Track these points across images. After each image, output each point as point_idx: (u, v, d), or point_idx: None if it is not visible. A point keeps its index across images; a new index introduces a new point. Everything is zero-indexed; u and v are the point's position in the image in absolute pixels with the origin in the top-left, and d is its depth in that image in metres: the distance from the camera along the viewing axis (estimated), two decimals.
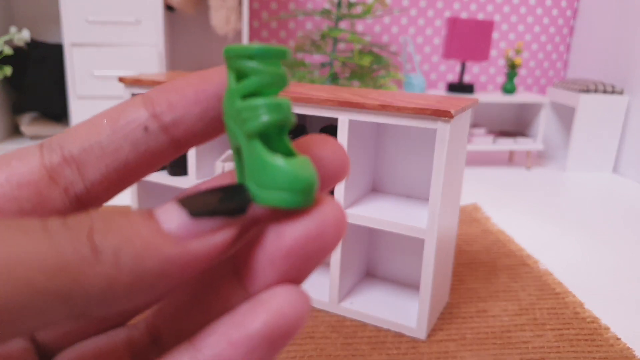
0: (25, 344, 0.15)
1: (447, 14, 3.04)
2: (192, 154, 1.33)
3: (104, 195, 0.15)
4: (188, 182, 1.33)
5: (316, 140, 0.16)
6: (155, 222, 0.12)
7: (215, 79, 0.15)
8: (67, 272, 0.11)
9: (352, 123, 1.12)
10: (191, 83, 0.15)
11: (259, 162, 0.14)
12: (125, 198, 1.97)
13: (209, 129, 0.16)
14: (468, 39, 2.57)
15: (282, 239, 0.14)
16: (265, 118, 0.14)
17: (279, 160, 0.14)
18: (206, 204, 0.13)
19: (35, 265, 0.10)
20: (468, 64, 3.10)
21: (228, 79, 0.15)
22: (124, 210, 0.13)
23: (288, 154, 0.15)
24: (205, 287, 0.15)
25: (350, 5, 2.58)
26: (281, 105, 0.14)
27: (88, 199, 0.15)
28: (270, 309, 0.13)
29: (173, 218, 0.12)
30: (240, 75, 0.15)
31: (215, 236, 0.13)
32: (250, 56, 0.14)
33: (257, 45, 0.14)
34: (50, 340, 0.16)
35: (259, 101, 0.14)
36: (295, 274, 0.14)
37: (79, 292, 0.11)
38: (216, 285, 0.15)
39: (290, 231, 0.14)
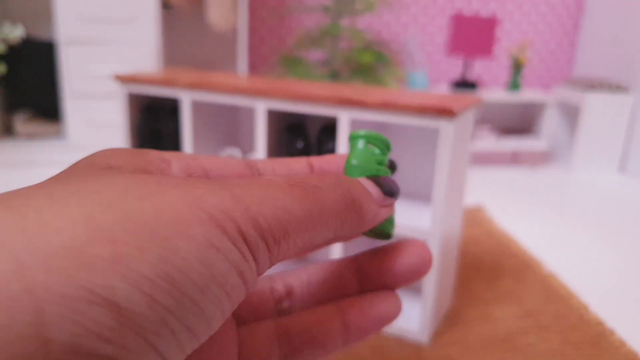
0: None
1: (450, 10, 3.00)
2: (188, 149, 1.30)
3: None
4: None
5: (405, 246, 0.21)
6: (367, 189, 0.19)
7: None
8: (341, 216, 0.17)
9: (353, 122, 1.09)
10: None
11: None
12: None
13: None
14: (471, 35, 2.54)
15: (408, 259, 0.20)
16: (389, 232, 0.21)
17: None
18: (389, 187, 0.19)
19: (332, 213, 0.16)
20: (471, 62, 3.07)
21: (350, 149, 0.22)
22: (356, 180, 0.19)
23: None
24: (336, 273, 0.22)
25: (351, 1, 2.55)
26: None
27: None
28: (395, 299, 0.20)
29: (374, 191, 0.19)
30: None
31: (389, 208, 0.19)
32: (371, 141, 0.21)
33: (374, 133, 0.21)
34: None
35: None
36: (407, 280, 0.21)
37: (341, 227, 0.17)
38: (344, 275, 0.21)
39: (411, 256, 0.20)
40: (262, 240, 0.14)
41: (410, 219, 1.10)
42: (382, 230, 0.20)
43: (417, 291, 1.31)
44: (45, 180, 0.14)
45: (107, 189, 0.13)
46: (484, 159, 2.82)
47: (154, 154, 0.18)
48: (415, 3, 2.97)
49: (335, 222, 0.16)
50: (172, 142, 1.35)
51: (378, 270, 0.21)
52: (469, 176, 2.48)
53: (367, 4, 2.49)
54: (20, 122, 2.47)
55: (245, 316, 0.21)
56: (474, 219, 1.89)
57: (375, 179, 0.20)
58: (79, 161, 0.16)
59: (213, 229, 0.13)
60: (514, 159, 2.83)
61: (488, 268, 1.51)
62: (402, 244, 0.21)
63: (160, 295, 0.11)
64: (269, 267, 0.15)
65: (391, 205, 0.20)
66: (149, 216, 0.12)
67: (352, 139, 0.21)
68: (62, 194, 0.12)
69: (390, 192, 0.20)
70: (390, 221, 0.21)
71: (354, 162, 0.21)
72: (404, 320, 1.17)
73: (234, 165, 0.20)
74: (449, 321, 1.22)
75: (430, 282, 1.08)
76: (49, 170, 2.28)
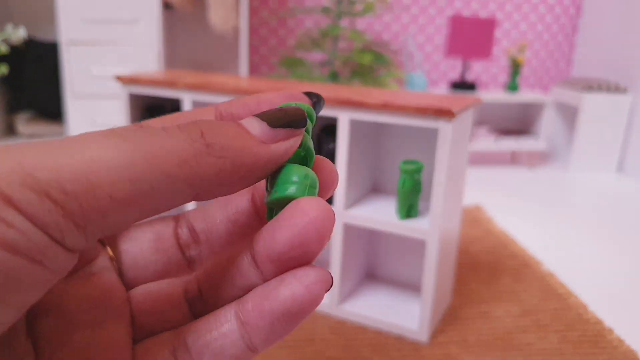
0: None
1: (449, 12, 3.01)
2: None
3: (208, 259, 0.20)
4: None
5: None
6: (244, 128, 0.16)
7: (267, 99, 0.20)
8: (190, 162, 0.14)
9: (352, 122, 1.10)
10: (250, 101, 0.20)
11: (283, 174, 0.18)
12: None
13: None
14: (470, 36, 2.55)
15: (298, 223, 0.16)
16: (292, 190, 0.18)
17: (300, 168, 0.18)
18: (279, 119, 0.17)
19: (169, 158, 0.14)
20: (470, 63, 3.08)
21: None
22: (221, 121, 0.16)
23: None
24: (231, 264, 0.19)
25: (351, 2, 2.56)
26: (308, 176, 0.18)
27: (199, 261, 0.20)
28: (300, 283, 0.16)
29: (256, 126, 0.16)
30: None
31: (287, 142, 0.17)
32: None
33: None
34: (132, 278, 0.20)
35: (292, 176, 0.18)
36: (305, 251, 0.17)
37: (198, 177, 0.14)
38: (239, 264, 0.18)
39: (293, 225, 0.16)
40: (47, 198, 0.12)
41: (409, 218, 1.11)
42: (281, 189, 0.17)
43: (417, 290, 1.32)
44: None
45: None
46: (482, 159, 2.83)
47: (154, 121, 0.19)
48: (414, 4, 2.98)
49: (183, 172, 0.14)
50: None
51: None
52: (468, 176, 2.49)
53: (366, 5, 2.50)
54: (22, 123, 2.47)
55: (151, 323, 0.19)
56: (473, 218, 1.90)
57: (263, 113, 0.17)
58: None
59: None
60: (513, 159, 2.84)
61: (487, 267, 1.52)
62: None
63: None
64: (99, 234, 0.13)
65: (291, 138, 0.17)
66: None
67: None
68: None
69: (287, 121, 0.17)
70: (292, 172, 0.17)
71: None
72: (403, 319, 1.18)
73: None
74: (448, 320, 1.23)
75: (429, 281, 1.09)
76: None
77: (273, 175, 0.18)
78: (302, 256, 0.16)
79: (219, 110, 0.19)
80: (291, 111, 0.17)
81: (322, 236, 0.16)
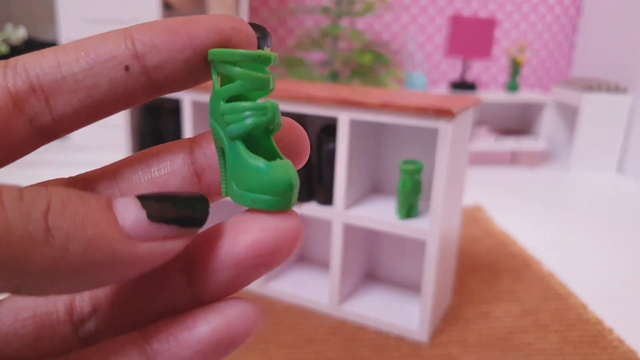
0: None
1: (449, 12, 3.01)
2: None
3: (70, 128, 0.15)
4: None
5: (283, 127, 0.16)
6: (112, 213, 0.12)
7: (204, 26, 0.15)
8: (11, 247, 0.10)
9: (352, 122, 1.10)
10: (178, 26, 0.15)
11: (241, 164, 0.14)
12: None
13: (191, 76, 0.15)
14: (470, 36, 2.55)
15: (236, 246, 0.14)
16: (249, 121, 0.14)
17: (259, 163, 0.14)
18: (166, 210, 0.13)
19: None
20: (470, 63, 3.08)
21: (212, 80, 0.15)
22: (83, 193, 0.12)
23: (272, 156, 0.15)
24: (152, 274, 0.15)
25: (351, 2, 2.56)
26: (266, 108, 0.14)
27: (54, 131, 0.15)
28: (221, 318, 0.14)
29: (130, 215, 0.12)
30: (225, 79, 0.15)
31: (167, 244, 0.13)
32: (235, 62, 0.14)
33: (241, 50, 0.14)
34: None
35: (243, 105, 0.14)
36: (244, 280, 0.14)
37: (21, 270, 0.11)
38: (163, 275, 0.15)
39: (244, 239, 0.14)
40: None
41: (409, 219, 1.11)
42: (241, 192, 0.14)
43: (417, 290, 1.32)
44: None
45: None
46: (482, 159, 2.83)
47: None
48: (414, 4, 2.98)
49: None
50: (172, 137, 1.36)
51: (209, 255, 0.14)
52: (468, 176, 2.49)
53: (366, 5, 2.50)
54: None
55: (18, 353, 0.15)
56: (473, 218, 1.90)
57: (150, 196, 0.13)
58: None
59: None
60: (513, 159, 2.84)
61: (487, 267, 1.52)
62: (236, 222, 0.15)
63: None
64: None
65: (175, 240, 0.13)
66: None
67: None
68: None
69: (174, 216, 0.13)
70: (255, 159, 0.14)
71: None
72: (403, 319, 1.18)
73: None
74: (448, 320, 1.23)
75: (429, 281, 1.09)
76: (50, 171, 2.29)
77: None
78: (263, 266, 0.14)
79: (133, 37, 0.14)
80: (186, 201, 0.13)
81: (285, 251, 0.14)
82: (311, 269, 1.42)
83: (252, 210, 0.15)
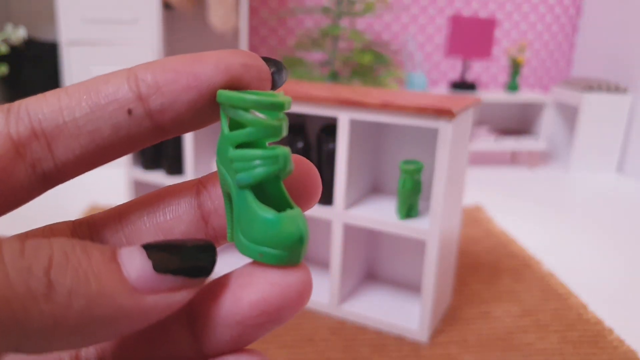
0: None
1: (449, 12, 3.01)
2: (189, 154, 1.31)
3: (73, 174, 0.14)
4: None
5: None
6: (117, 265, 0.12)
7: (211, 64, 0.14)
8: (11, 305, 0.10)
9: (352, 122, 1.10)
10: (183, 65, 0.14)
11: (248, 213, 0.14)
12: (120, 198, 1.95)
13: (198, 118, 0.14)
14: (470, 36, 2.55)
15: (240, 303, 0.13)
16: (259, 170, 0.14)
17: (268, 214, 0.13)
18: (172, 260, 0.12)
19: None
20: (470, 63, 3.08)
21: (221, 123, 0.14)
22: (86, 244, 0.12)
23: (281, 203, 0.14)
24: (157, 324, 0.14)
25: (351, 2, 2.56)
26: (277, 156, 0.14)
27: (56, 177, 0.14)
28: None
29: (136, 266, 0.12)
30: (235, 122, 0.14)
31: (173, 295, 0.12)
32: (246, 108, 0.14)
33: (253, 96, 0.14)
34: None
35: (253, 153, 0.14)
36: (250, 337, 0.14)
37: (19, 327, 0.10)
38: (168, 325, 0.14)
39: (248, 295, 0.13)
40: None
41: (409, 219, 1.11)
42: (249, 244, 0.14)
43: (417, 290, 1.32)
44: None
45: None
46: (482, 159, 2.83)
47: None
48: (414, 4, 2.98)
49: None
50: (172, 141, 1.36)
51: (213, 312, 0.14)
52: (468, 176, 2.49)
53: (366, 5, 2.50)
54: None
55: None
56: (473, 218, 1.90)
57: (156, 245, 0.12)
58: None
59: None
60: (513, 159, 2.85)
61: (487, 267, 1.52)
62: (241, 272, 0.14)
63: None
64: None
65: (181, 291, 0.12)
66: None
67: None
68: None
69: (180, 267, 0.12)
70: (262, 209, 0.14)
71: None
72: (403, 319, 1.18)
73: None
74: (448, 320, 1.23)
75: (429, 281, 1.09)
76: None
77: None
78: (270, 322, 0.14)
79: (137, 78, 0.14)
80: (194, 250, 0.13)
81: (297, 305, 0.14)
82: (311, 269, 1.42)
83: (258, 262, 0.14)
